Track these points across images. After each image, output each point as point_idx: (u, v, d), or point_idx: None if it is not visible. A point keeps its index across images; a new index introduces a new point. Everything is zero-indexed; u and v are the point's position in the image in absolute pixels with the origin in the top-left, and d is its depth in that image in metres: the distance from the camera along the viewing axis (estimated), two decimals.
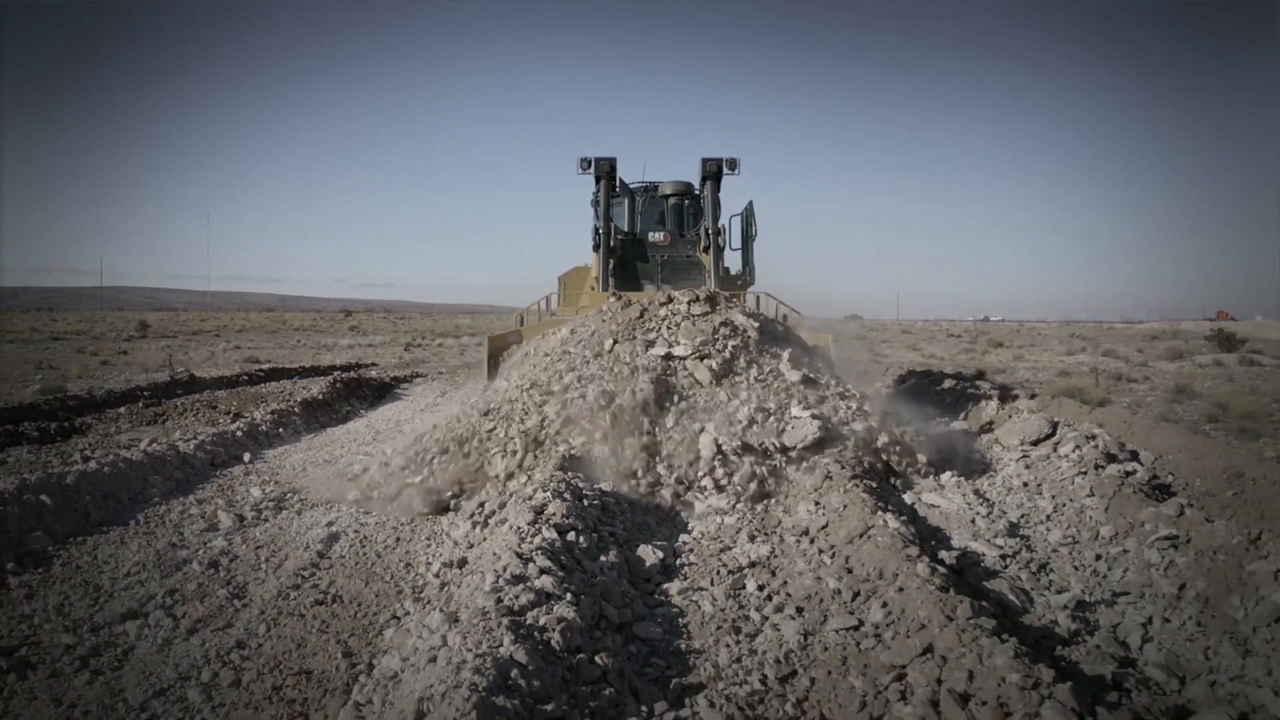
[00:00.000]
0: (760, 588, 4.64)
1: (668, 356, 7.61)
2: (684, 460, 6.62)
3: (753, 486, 6.43)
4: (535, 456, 6.68)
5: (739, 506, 6.27)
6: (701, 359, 7.53)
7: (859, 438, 6.92)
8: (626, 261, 11.59)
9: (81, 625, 4.18)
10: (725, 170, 11.44)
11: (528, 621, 3.49)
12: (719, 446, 6.63)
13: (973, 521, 5.85)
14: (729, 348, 7.68)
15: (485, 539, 5.40)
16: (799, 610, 4.29)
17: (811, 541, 5.27)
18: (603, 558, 4.68)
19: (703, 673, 3.66)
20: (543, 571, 4.04)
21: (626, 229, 11.92)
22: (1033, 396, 10.94)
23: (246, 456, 8.54)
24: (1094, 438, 7.43)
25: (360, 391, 14.75)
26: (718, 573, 4.91)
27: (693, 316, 8.12)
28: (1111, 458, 6.88)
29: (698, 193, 12.08)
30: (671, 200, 12.26)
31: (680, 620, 4.24)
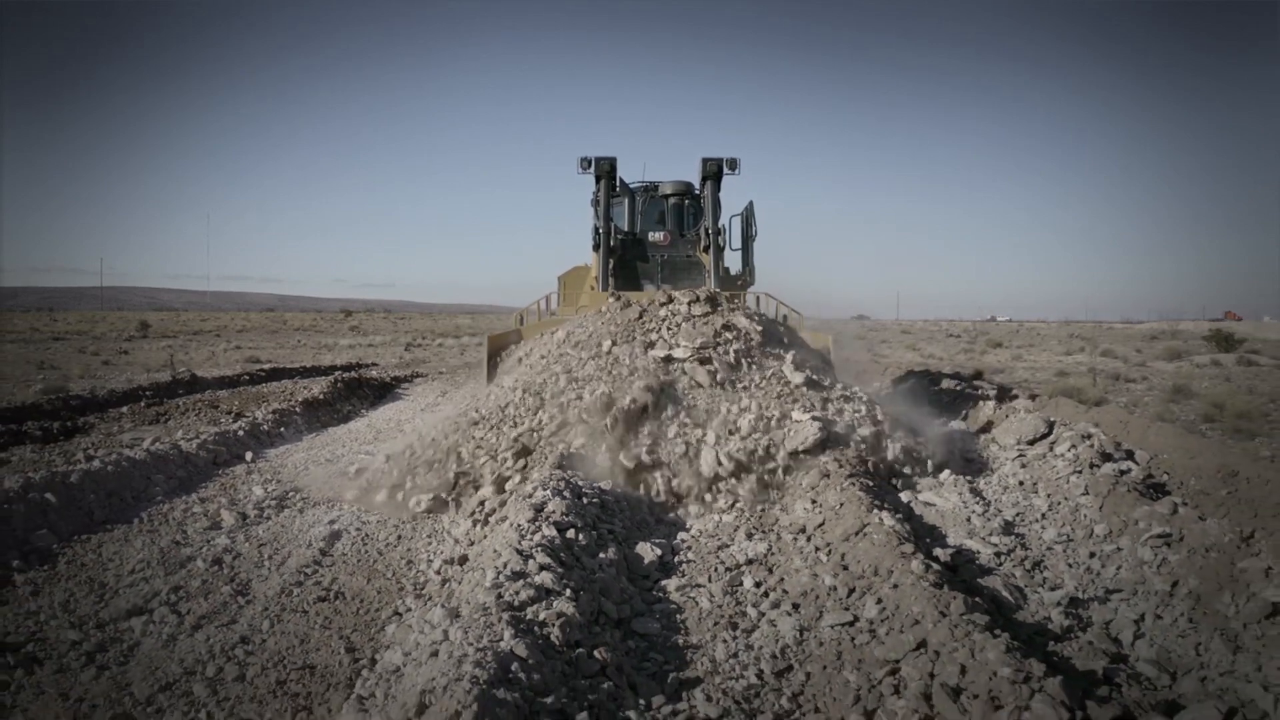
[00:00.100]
0: (757, 584, 4.69)
1: (668, 359, 7.48)
2: (684, 471, 6.43)
3: (752, 493, 6.38)
4: (527, 464, 6.57)
5: (737, 505, 6.28)
6: (702, 362, 7.39)
7: (868, 443, 6.85)
8: (626, 261, 11.57)
9: (87, 621, 4.23)
10: (725, 170, 11.43)
11: (528, 617, 3.55)
12: (720, 460, 6.43)
13: (968, 520, 5.89)
14: (731, 351, 7.55)
15: (486, 536, 5.45)
16: (795, 606, 4.34)
17: (808, 539, 5.31)
18: (602, 555, 4.73)
19: (700, 667, 3.71)
20: (542, 568, 4.09)
21: (626, 229, 11.91)
22: (1033, 397, 10.97)
23: (249, 455, 8.59)
24: (1089, 437, 7.47)
25: (361, 391, 14.78)
26: (715, 570, 4.96)
27: (693, 318, 8.04)
28: (1107, 457, 6.91)
29: (698, 193, 12.06)
30: (671, 200, 12.24)
31: (678, 616, 4.29)
